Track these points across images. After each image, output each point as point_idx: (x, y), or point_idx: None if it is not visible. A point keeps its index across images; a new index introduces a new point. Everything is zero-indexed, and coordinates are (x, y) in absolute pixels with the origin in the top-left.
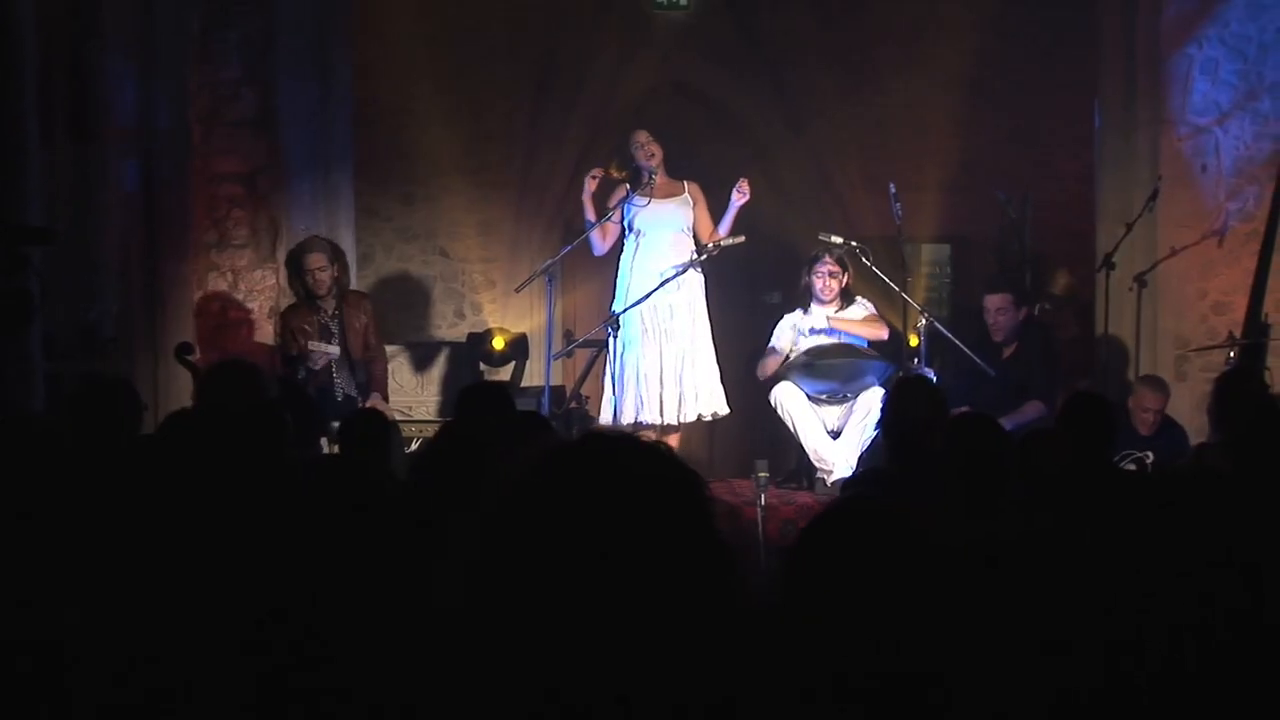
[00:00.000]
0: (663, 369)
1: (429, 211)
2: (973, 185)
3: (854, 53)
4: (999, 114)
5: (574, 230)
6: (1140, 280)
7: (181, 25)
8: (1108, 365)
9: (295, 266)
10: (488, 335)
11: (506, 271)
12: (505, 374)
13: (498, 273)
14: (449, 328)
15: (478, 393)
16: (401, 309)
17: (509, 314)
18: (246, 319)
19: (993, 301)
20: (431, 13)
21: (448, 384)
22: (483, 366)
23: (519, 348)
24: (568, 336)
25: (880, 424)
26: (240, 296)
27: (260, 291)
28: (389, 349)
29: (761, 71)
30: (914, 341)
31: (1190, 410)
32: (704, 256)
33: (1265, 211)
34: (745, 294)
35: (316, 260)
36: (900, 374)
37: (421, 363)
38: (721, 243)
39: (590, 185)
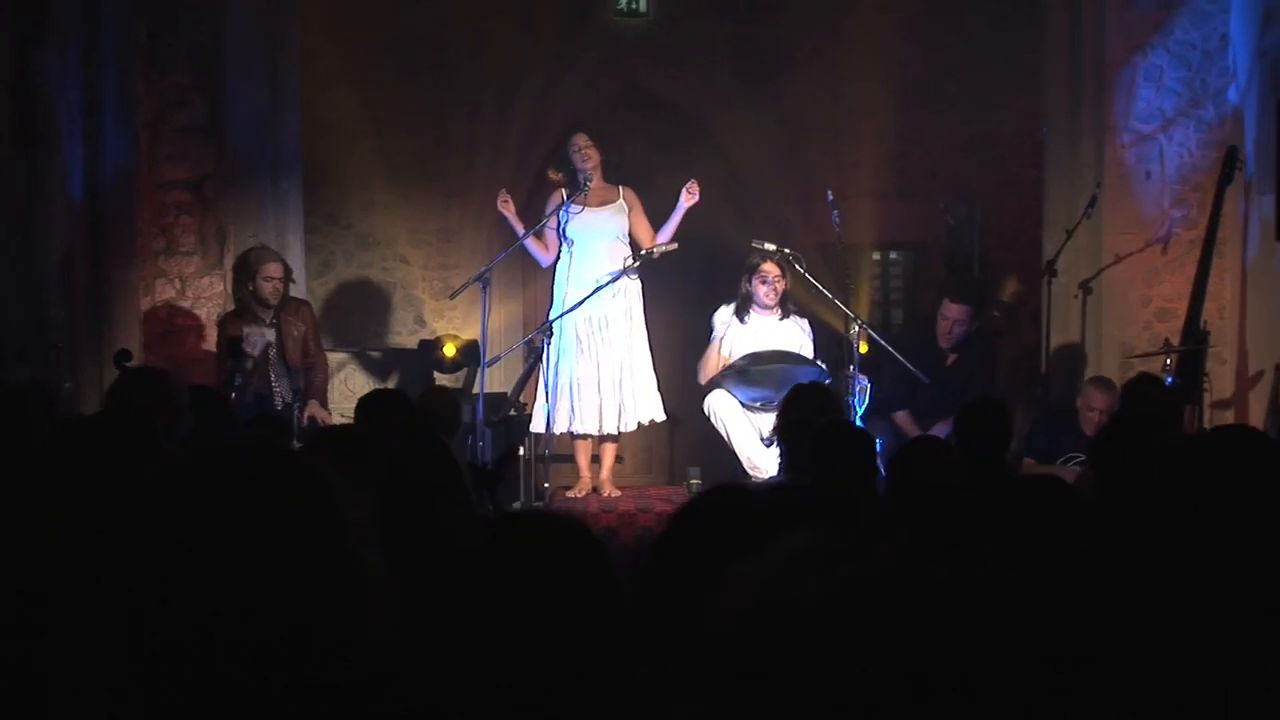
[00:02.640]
0: (600, 379)
1: (389, 218)
2: (931, 192)
3: (812, 60)
4: (957, 121)
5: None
6: (1085, 287)
7: (128, 31)
8: (1053, 372)
9: (247, 272)
10: (438, 342)
11: (467, 278)
12: (457, 380)
13: (458, 279)
14: (409, 334)
15: (374, 401)
16: (362, 315)
17: (471, 321)
18: (193, 325)
19: (954, 311)
20: (392, 19)
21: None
22: (435, 373)
23: (470, 354)
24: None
25: (775, 431)
26: (187, 303)
27: (208, 299)
28: (342, 355)
29: (720, 78)
30: (864, 348)
31: None
32: (638, 263)
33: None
34: (704, 300)
35: (276, 270)
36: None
37: (375, 369)
38: (655, 249)
39: (505, 209)
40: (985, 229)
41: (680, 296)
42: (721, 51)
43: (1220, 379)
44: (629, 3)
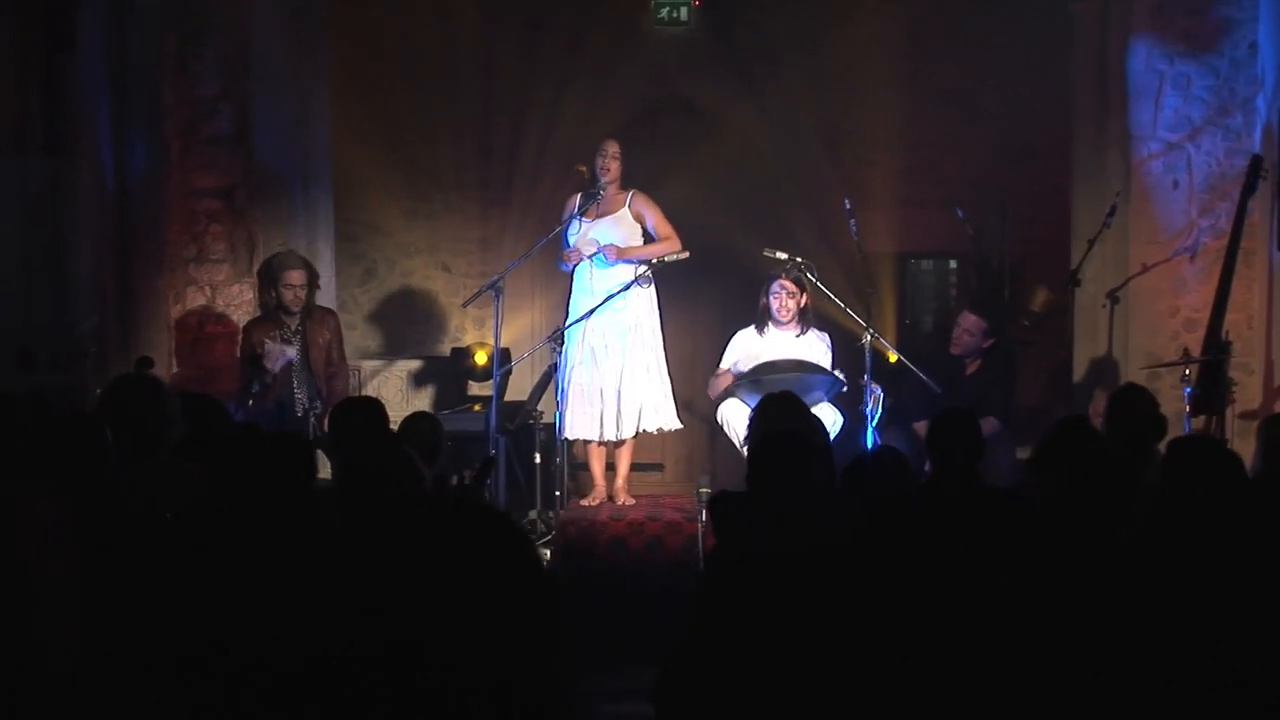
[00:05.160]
0: (603, 387)
1: (431, 227)
2: (971, 201)
3: (849, 70)
4: (996, 130)
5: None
6: (1113, 297)
7: (156, 41)
8: (1080, 382)
9: (270, 278)
10: (469, 350)
11: (512, 288)
12: (489, 388)
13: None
14: (450, 342)
15: (348, 408)
16: (404, 323)
17: (510, 329)
18: (224, 333)
19: (968, 321)
20: (431, 28)
21: (436, 399)
22: (469, 381)
23: (501, 362)
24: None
25: (746, 441)
26: (218, 311)
27: (238, 306)
28: (376, 363)
29: (757, 88)
30: (892, 358)
31: None
32: (646, 270)
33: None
34: (744, 307)
35: (298, 277)
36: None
37: (408, 377)
38: (666, 258)
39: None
40: (1025, 238)
41: (723, 303)
42: (758, 61)
43: (1248, 389)
44: (670, 12)
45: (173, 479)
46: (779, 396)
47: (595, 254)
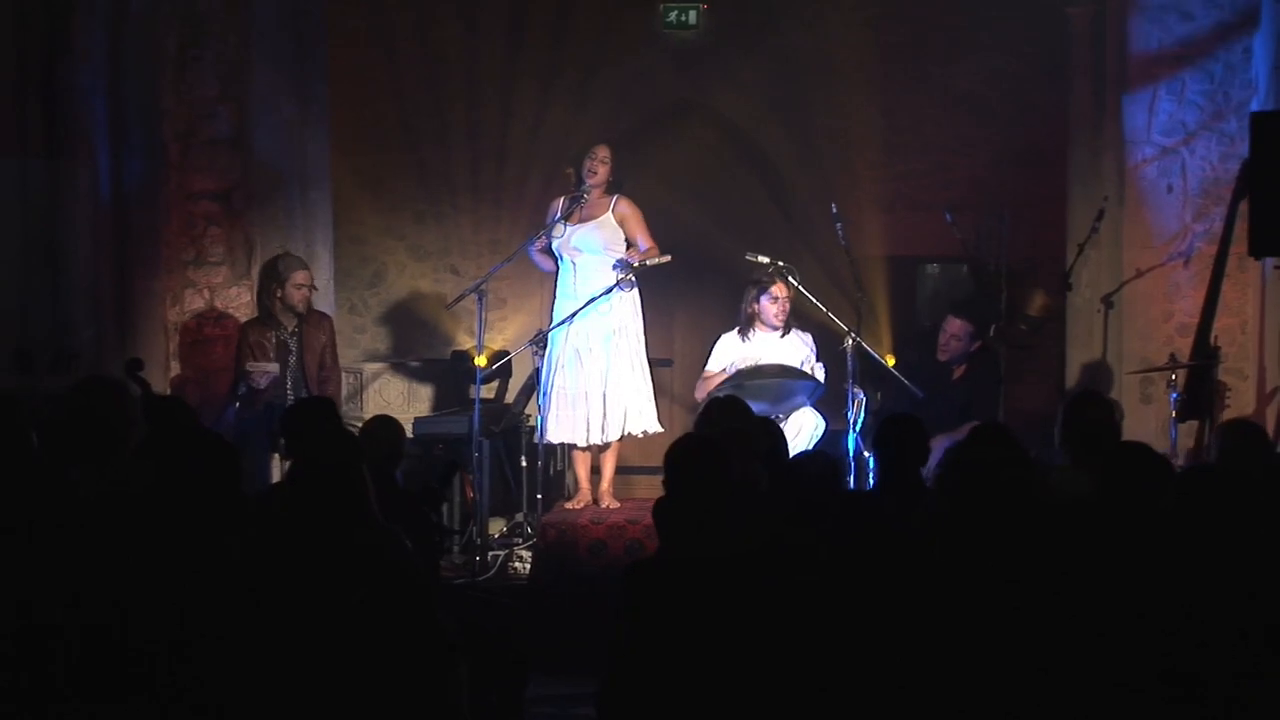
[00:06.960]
0: (587, 390)
1: (440, 230)
2: (976, 205)
3: (858, 72)
4: (1003, 134)
5: None
6: (1107, 302)
7: (154, 44)
8: (1071, 387)
9: (276, 279)
10: (468, 353)
11: (516, 289)
12: (490, 390)
13: (509, 290)
14: (459, 345)
15: (300, 409)
16: (413, 326)
17: (513, 328)
18: (221, 335)
19: (954, 325)
20: (439, 33)
21: (437, 402)
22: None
23: (502, 365)
24: None
25: None
26: (216, 313)
27: (236, 309)
28: (377, 366)
29: (771, 93)
30: (890, 361)
31: (1155, 434)
32: (628, 275)
33: None
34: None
35: (305, 277)
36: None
37: (409, 380)
38: (648, 262)
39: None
40: (1030, 242)
41: (730, 304)
42: (767, 64)
43: (1242, 395)
44: (678, 16)
45: (130, 477)
46: (723, 400)
47: (616, 285)
